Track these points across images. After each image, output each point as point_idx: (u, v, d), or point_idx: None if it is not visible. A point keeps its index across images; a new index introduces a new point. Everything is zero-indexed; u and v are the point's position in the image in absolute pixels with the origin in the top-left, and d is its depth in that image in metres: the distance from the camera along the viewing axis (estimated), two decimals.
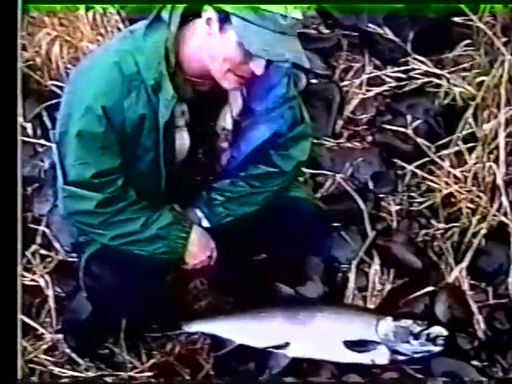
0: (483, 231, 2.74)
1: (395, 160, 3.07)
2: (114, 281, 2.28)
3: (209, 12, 2.04)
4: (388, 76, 3.37)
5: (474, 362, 2.48)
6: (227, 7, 2.00)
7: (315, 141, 2.88)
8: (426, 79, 3.30)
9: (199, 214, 2.38)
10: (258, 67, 2.05)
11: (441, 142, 3.08)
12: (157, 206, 2.28)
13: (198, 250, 2.35)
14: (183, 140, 2.23)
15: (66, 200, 2.23)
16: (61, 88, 3.03)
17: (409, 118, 3.20)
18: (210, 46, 2.07)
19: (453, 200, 2.88)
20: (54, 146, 2.24)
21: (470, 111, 2.98)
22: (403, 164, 3.05)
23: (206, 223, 2.38)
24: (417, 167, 3.02)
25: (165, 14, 2.10)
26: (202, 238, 2.36)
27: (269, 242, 2.46)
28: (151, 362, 2.50)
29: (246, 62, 2.06)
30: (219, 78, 2.11)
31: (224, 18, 2.01)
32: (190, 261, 2.35)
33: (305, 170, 2.82)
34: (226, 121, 2.29)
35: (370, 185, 3.01)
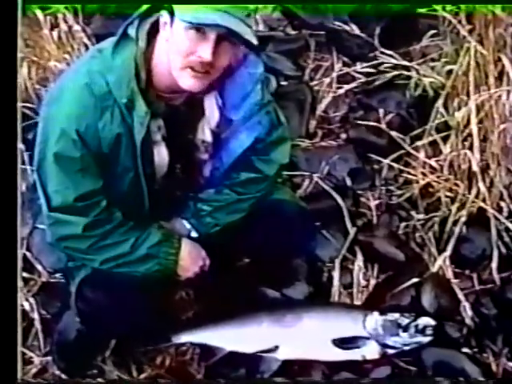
0: (463, 219, 2.74)
1: (371, 155, 3.07)
2: (107, 303, 2.28)
3: (164, 16, 2.04)
4: (357, 72, 3.38)
5: (465, 350, 2.48)
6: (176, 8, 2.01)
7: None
8: (396, 72, 3.32)
9: (187, 225, 2.38)
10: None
11: (414, 133, 3.09)
12: (143, 224, 2.28)
13: (190, 262, 2.36)
14: (162, 155, 2.23)
15: (52, 227, 2.23)
16: (31, 109, 3.02)
17: (381, 112, 3.21)
18: (168, 50, 2.07)
19: (431, 190, 2.89)
20: (30, 168, 2.23)
21: (441, 101, 3.00)
22: (379, 158, 3.05)
23: (194, 234, 2.38)
24: (393, 160, 3.03)
25: (131, 31, 2.09)
26: (192, 251, 2.36)
27: (256, 247, 2.46)
28: (142, 376, 2.49)
29: (194, 51, 2.03)
30: (177, 77, 2.08)
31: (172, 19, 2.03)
32: (183, 274, 2.36)
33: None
34: (205, 133, 2.28)
35: (348, 182, 3.01)
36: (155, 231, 2.28)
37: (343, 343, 2.42)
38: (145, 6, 2.11)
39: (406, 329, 2.45)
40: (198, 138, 2.29)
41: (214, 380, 2.46)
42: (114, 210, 2.23)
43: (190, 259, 2.35)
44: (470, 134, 2.79)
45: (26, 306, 2.61)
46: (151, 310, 2.38)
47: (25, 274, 2.72)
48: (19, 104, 3.06)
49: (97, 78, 2.09)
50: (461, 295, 2.61)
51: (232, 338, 2.48)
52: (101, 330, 2.40)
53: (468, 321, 2.55)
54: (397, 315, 2.48)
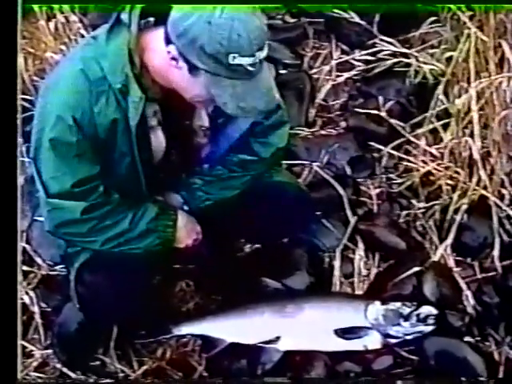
0: (464, 206, 2.73)
1: (371, 143, 3.06)
2: (107, 287, 2.27)
3: (172, 51, 1.99)
4: (356, 60, 3.36)
5: (467, 339, 2.48)
6: (193, 59, 1.95)
7: (289, 131, 2.87)
8: (395, 59, 3.29)
9: (179, 198, 2.38)
10: None
11: (415, 121, 3.08)
12: (140, 202, 2.28)
13: (185, 234, 2.36)
14: (159, 140, 2.21)
15: (51, 213, 2.21)
16: (29, 101, 2.99)
17: (381, 99, 3.19)
18: (180, 80, 2.04)
19: (432, 178, 2.87)
20: (28, 160, 2.22)
21: (441, 88, 2.98)
22: (379, 146, 3.04)
23: (185, 207, 2.38)
24: (393, 148, 3.02)
25: (124, 16, 2.07)
26: (188, 223, 2.37)
27: (254, 228, 2.48)
28: (143, 368, 2.49)
29: None
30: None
31: (192, 67, 1.98)
32: (177, 246, 2.36)
33: (282, 161, 2.80)
34: (203, 118, 2.27)
35: (348, 170, 3.00)
36: (151, 206, 2.28)
37: (345, 333, 2.42)
38: None
39: (407, 318, 2.45)
40: (196, 123, 2.28)
41: (215, 372, 2.46)
42: (111, 192, 2.22)
43: (185, 231, 2.36)
44: (471, 121, 2.77)
45: (26, 300, 2.61)
46: (151, 292, 2.40)
47: (24, 267, 2.71)
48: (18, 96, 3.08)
49: (91, 64, 2.07)
50: (462, 284, 2.60)
51: (233, 329, 2.48)
52: (101, 316, 2.38)
53: (470, 309, 2.54)
54: (398, 304, 2.48)
